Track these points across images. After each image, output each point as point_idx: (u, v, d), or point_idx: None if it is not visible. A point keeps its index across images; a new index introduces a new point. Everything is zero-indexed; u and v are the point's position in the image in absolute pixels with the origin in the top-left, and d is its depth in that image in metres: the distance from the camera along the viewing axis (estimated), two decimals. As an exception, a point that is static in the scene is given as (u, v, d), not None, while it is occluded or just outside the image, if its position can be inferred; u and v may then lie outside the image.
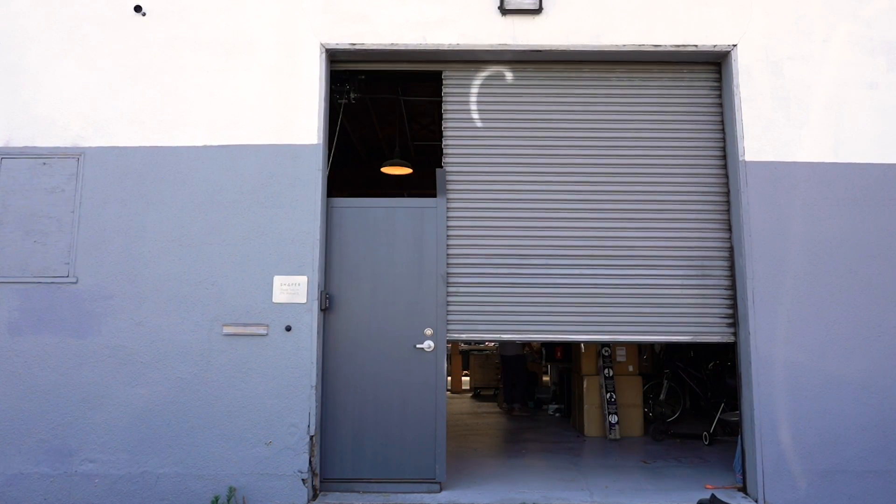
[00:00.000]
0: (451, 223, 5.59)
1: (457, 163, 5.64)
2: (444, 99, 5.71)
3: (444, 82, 5.72)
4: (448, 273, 5.54)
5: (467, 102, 5.70)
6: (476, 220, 5.60)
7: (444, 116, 5.69)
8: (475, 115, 5.69)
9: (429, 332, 5.42)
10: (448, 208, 5.59)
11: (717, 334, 5.47)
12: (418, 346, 5.41)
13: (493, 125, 5.67)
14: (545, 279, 5.53)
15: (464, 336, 5.50)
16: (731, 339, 5.45)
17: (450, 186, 5.60)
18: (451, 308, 5.52)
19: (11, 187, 5.26)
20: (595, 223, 5.55)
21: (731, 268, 5.49)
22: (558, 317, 5.50)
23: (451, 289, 5.53)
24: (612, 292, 5.50)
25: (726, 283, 5.49)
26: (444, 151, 5.65)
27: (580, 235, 5.56)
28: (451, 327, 5.51)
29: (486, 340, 5.43)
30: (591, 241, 5.55)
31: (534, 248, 5.57)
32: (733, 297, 5.46)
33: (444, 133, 5.68)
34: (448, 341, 5.47)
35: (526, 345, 10.27)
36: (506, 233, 5.59)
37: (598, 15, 5.48)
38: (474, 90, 5.72)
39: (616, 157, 5.62)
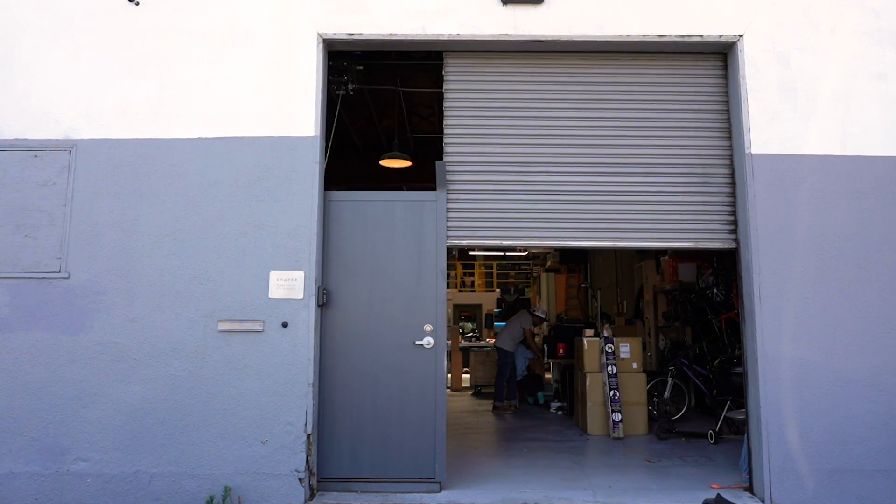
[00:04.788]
0: (449, 131, 5.55)
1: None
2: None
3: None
4: (448, 180, 5.48)
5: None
6: (478, 127, 5.58)
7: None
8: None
9: (428, 328, 5.32)
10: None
11: (717, 241, 5.43)
12: (418, 342, 5.31)
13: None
14: (546, 186, 5.49)
15: (464, 243, 5.44)
16: (732, 245, 5.41)
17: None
18: (450, 215, 5.46)
19: (2, 180, 5.15)
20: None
21: (732, 175, 5.47)
22: (559, 223, 5.46)
23: (450, 196, 5.47)
24: (613, 199, 5.47)
25: (727, 190, 5.47)
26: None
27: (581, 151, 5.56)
28: (451, 234, 5.44)
29: (487, 247, 5.40)
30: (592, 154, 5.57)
31: (535, 155, 5.52)
32: (733, 205, 5.43)
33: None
34: (448, 248, 5.41)
35: (522, 340, 10.21)
36: (507, 140, 5.55)
37: (601, 4, 5.37)
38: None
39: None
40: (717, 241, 5.44)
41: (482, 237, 5.47)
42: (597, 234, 5.47)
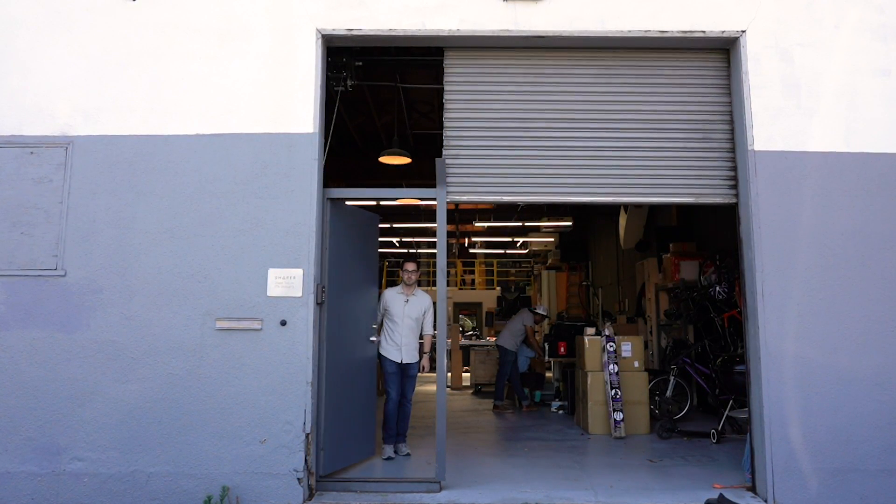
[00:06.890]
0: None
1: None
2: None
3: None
4: (446, 136, 5.44)
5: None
6: (478, 84, 5.55)
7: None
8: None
9: None
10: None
11: (718, 196, 5.40)
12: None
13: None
14: (547, 142, 5.45)
15: (464, 198, 5.39)
16: (732, 200, 5.37)
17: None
18: (450, 171, 5.40)
19: (-2, 177, 5.11)
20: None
21: (732, 132, 5.45)
22: (560, 178, 5.43)
23: (449, 151, 5.42)
24: (614, 155, 5.45)
25: (727, 146, 5.45)
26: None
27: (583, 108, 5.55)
28: (451, 189, 5.38)
29: (487, 202, 5.35)
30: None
31: (536, 111, 5.48)
32: (734, 160, 5.41)
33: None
34: (448, 203, 5.37)
35: (524, 339, 10.15)
36: (507, 97, 5.52)
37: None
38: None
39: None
40: (717, 196, 5.42)
41: (482, 192, 5.42)
42: (598, 190, 5.45)
